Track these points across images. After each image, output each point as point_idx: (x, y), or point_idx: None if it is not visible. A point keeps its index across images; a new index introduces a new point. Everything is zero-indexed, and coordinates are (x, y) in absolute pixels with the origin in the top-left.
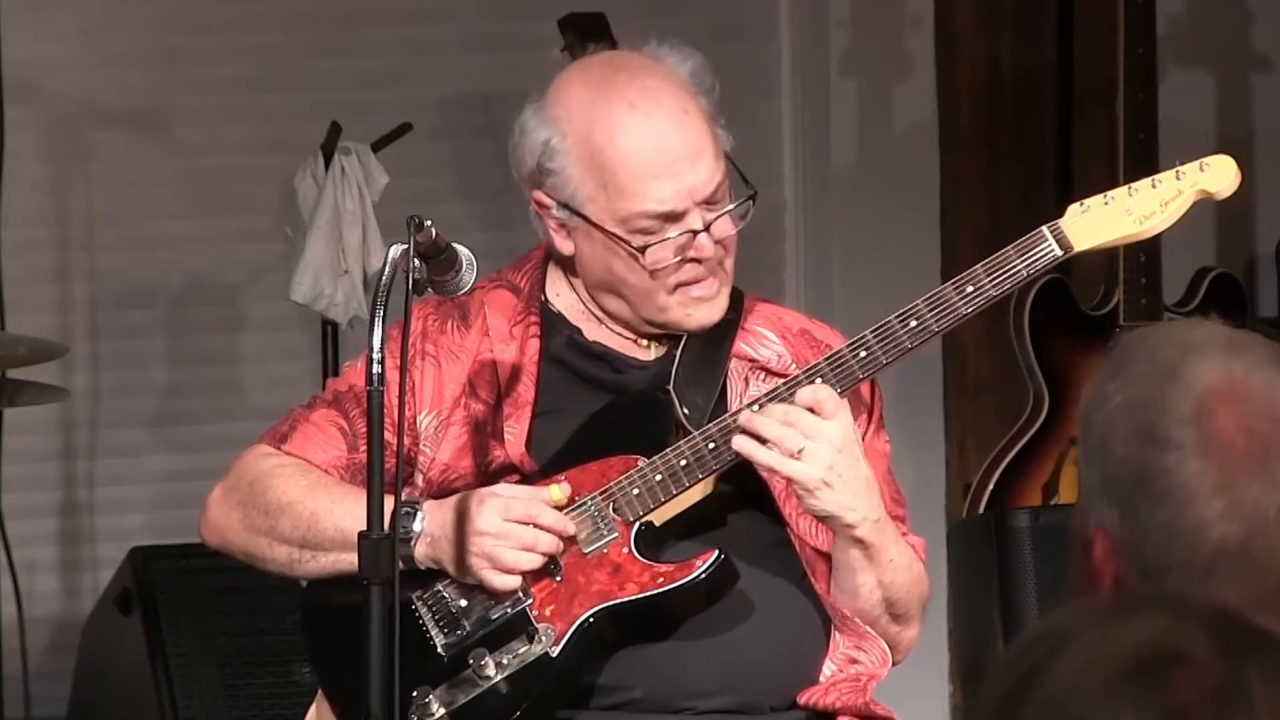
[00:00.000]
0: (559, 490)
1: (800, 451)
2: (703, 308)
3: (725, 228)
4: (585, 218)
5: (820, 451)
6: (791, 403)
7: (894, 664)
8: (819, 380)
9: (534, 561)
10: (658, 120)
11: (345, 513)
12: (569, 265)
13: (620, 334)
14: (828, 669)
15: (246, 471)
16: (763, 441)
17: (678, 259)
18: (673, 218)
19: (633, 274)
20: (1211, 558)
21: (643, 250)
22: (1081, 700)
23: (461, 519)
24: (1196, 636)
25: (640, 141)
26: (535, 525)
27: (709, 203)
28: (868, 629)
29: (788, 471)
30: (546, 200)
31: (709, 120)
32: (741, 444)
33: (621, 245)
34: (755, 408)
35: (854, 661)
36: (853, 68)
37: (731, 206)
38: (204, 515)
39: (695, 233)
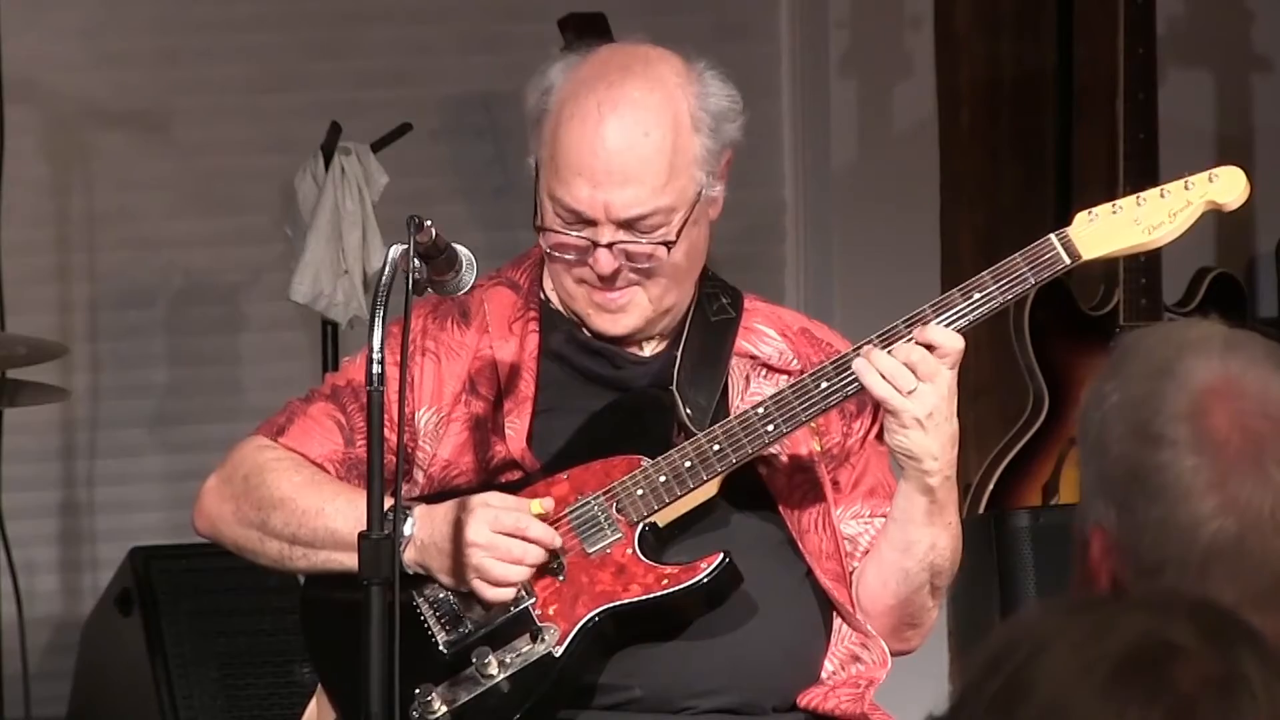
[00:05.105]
0: (539, 505)
1: (911, 392)
2: (604, 317)
3: (616, 258)
4: (537, 176)
5: (927, 395)
6: (910, 339)
7: (910, 651)
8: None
9: (522, 575)
10: (610, 130)
11: (336, 513)
12: None
13: None
14: (829, 665)
15: (242, 464)
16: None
17: (576, 258)
18: (584, 220)
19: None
20: (1205, 555)
21: (546, 230)
22: (1079, 705)
23: (450, 527)
24: (1182, 628)
25: (583, 138)
26: (524, 538)
27: (626, 226)
28: (869, 627)
29: (894, 405)
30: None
31: (674, 155)
32: (860, 366)
33: (540, 213)
34: (877, 342)
35: (856, 659)
36: (853, 68)
37: (642, 239)
38: (197, 504)
39: (595, 245)
